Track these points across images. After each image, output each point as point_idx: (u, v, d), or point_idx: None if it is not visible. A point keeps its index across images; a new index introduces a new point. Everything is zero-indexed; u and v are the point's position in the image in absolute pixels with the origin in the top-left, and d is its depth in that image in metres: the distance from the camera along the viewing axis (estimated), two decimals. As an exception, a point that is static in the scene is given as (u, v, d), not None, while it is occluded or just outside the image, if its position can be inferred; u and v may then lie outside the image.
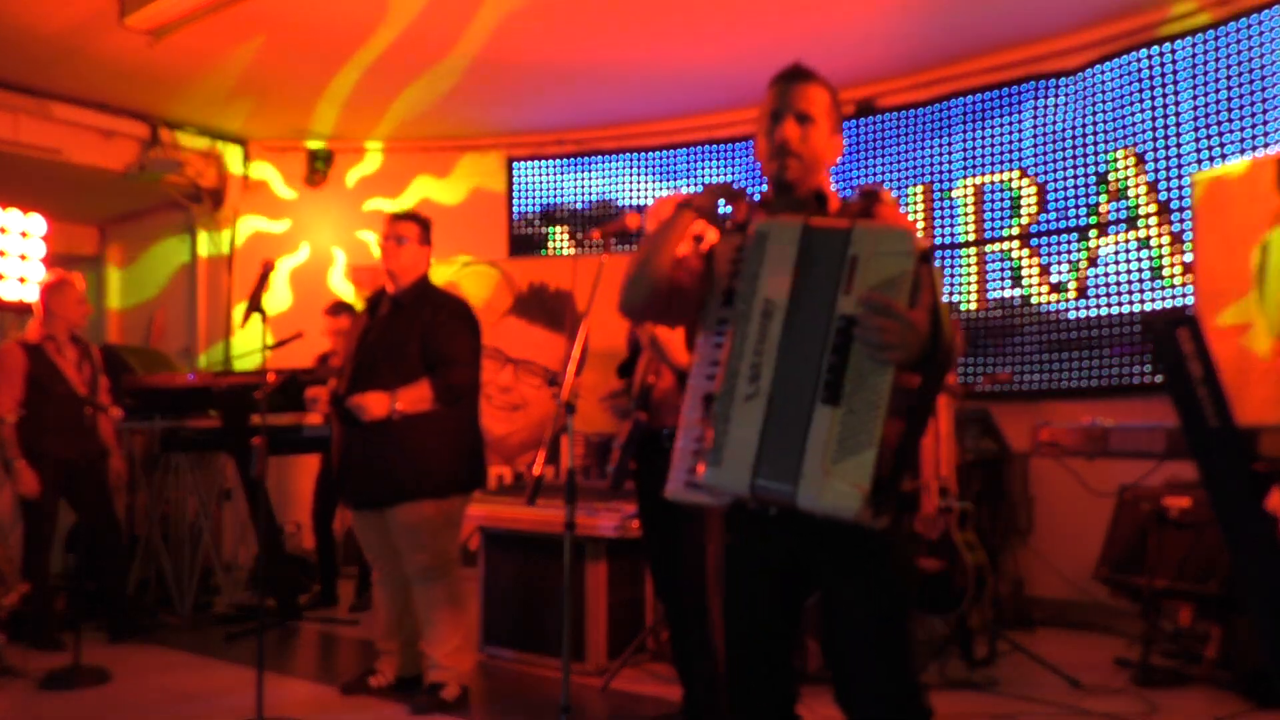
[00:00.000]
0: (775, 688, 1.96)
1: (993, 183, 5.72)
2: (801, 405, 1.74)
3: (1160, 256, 5.08)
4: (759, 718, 1.96)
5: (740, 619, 1.97)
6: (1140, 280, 5.15)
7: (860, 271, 1.73)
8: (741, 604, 1.97)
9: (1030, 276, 5.55)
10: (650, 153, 6.95)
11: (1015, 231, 5.63)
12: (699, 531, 3.01)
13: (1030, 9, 5.14)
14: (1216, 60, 4.92)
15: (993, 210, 5.72)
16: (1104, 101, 5.31)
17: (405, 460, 3.57)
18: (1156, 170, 5.12)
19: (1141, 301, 5.13)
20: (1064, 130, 5.47)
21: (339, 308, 5.74)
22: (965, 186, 5.82)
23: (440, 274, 5.56)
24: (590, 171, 7.09)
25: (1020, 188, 5.62)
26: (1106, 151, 5.31)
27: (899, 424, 1.73)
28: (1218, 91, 4.91)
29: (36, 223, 6.31)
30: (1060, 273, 5.44)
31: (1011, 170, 5.65)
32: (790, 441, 1.74)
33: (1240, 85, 4.83)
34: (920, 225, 5.89)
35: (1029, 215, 5.59)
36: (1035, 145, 5.58)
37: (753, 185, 6.67)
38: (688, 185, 6.80)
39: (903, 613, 1.87)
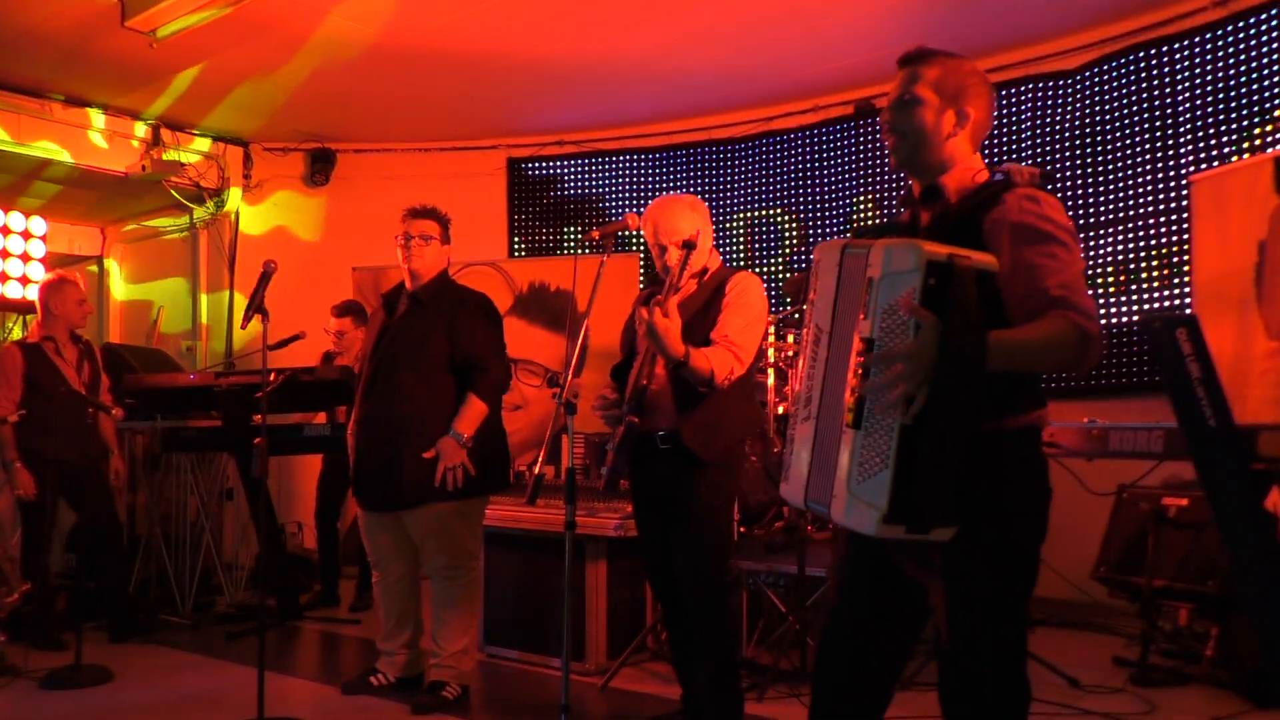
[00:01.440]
0: (861, 688, 1.99)
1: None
2: (836, 429, 1.81)
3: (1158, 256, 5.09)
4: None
5: (831, 614, 2.04)
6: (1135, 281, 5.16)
7: (874, 294, 1.72)
8: (836, 596, 2.05)
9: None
10: (650, 153, 6.96)
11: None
12: (694, 533, 3.02)
13: (1030, 9, 5.15)
14: (1216, 60, 4.93)
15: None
16: (1104, 101, 5.32)
17: (420, 462, 3.55)
18: (1155, 170, 5.12)
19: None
20: (1063, 129, 5.49)
21: (345, 307, 5.74)
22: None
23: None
24: (590, 171, 7.11)
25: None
26: (1106, 151, 5.33)
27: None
28: (1217, 91, 4.92)
29: (38, 223, 6.33)
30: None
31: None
32: (828, 463, 1.82)
33: (1240, 85, 4.84)
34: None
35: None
36: (1035, 143, 5.59)
37: (745, 186, 6.69)
38: (687, 186, 6.81)
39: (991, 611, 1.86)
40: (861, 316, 1.74)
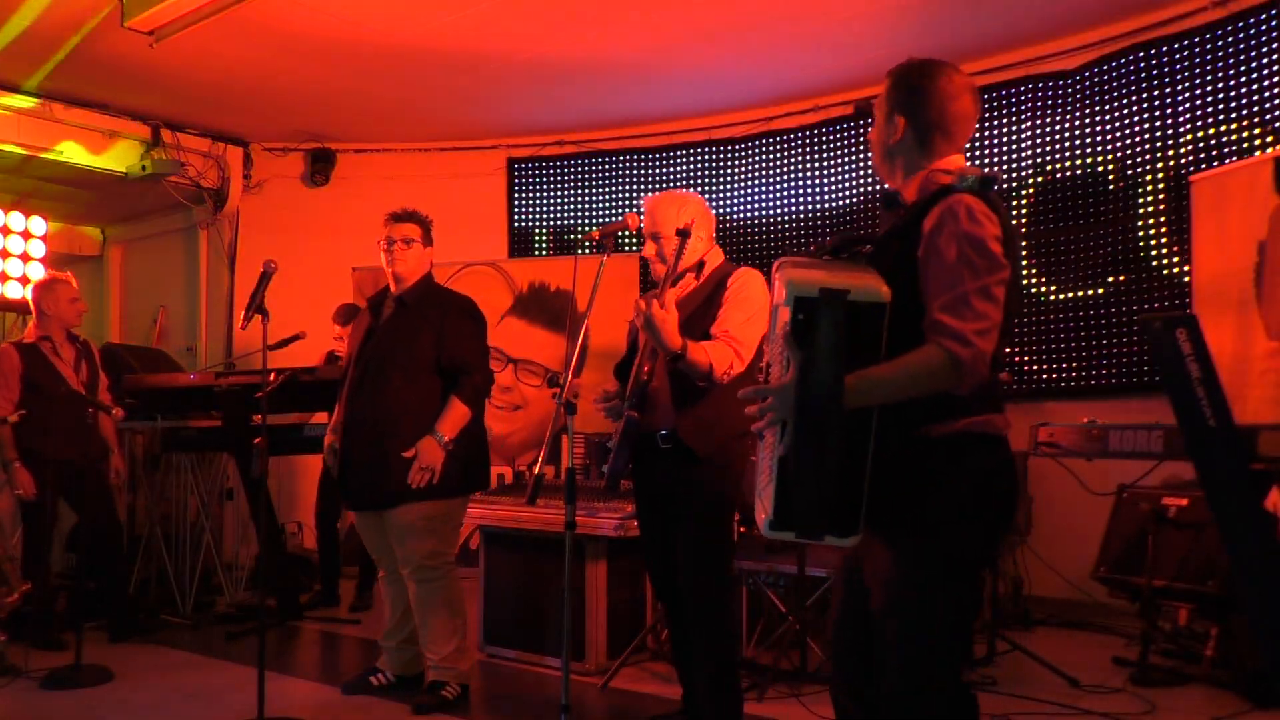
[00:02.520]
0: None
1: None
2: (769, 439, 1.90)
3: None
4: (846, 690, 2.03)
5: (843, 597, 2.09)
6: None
7: (774, 321, 1.87)
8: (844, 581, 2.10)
9: (1031, 274, 5.56)
10: (650, 153, 6.96)
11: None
12: (694, 531, 3.02)
13: (1030, 9, 5.15)
14: (1216, 60, 4.93)
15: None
16: (1104, 101, 5.33)
17: (406, 462, 3.57)
18: (1155, 170, 5.13)
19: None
20: (1063, 129, 5.49)
21: (349, 312, 5.73)
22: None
23: (439, 275, 5.55)
24: (590, 171, 7.11)
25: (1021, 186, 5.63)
26: (1106, 151, 5.33)
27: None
28: (1217, 91, 4.92)
29: (37, 223, 6.33)
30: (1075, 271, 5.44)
31: (1013, 169, 5.66)
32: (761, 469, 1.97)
33: (1240, 85, 4.84)
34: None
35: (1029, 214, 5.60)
36: (1035, 143, 5.59)
37: (745, 186, 6.68)
38: (687, 185, 6.81)
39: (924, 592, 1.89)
40: (765, 344, 1.88)
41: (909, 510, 1.84)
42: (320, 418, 5.67)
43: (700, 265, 3.13)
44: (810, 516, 1.75)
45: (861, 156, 6.23)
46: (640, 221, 3.19)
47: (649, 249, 3.14)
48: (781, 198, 6.56)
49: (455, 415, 3.63)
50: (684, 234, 2.93)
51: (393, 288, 3.80)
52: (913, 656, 1.85)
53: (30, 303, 4.91)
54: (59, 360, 4.78)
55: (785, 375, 1.75)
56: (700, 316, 3.00)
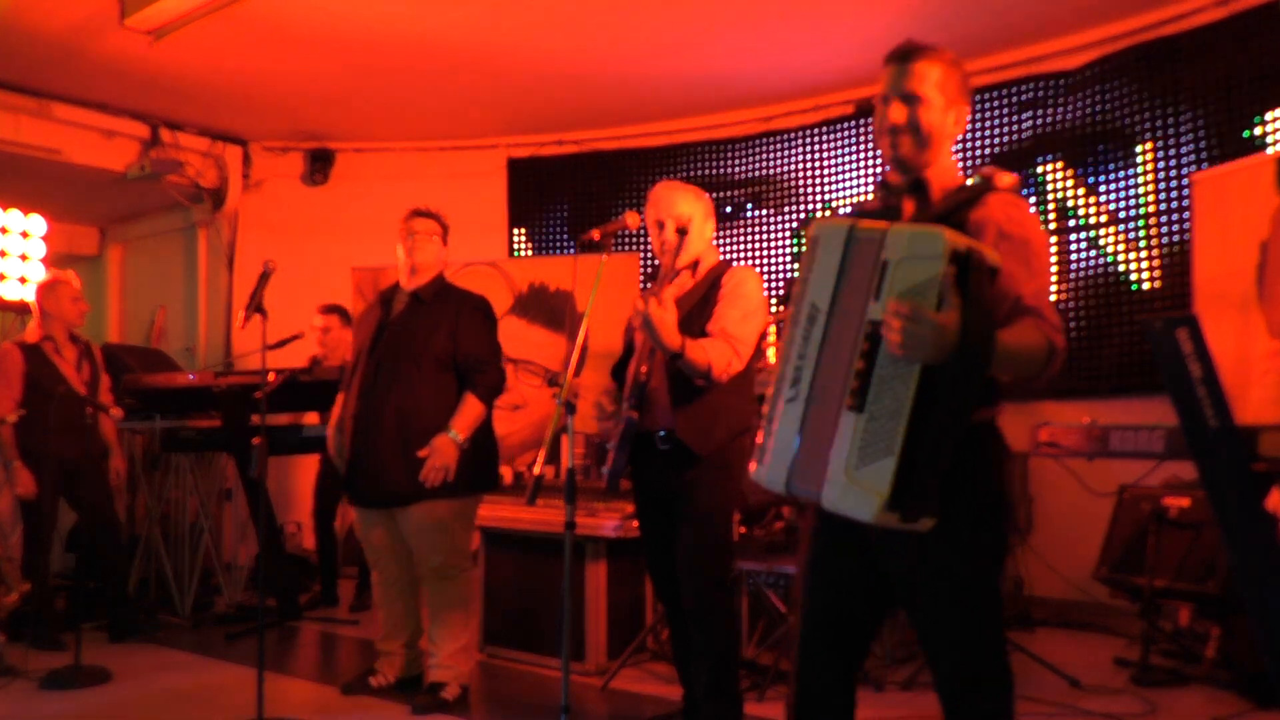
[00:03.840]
0: (839, 685, 2.00)
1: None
2: (831, 410, 1.76)
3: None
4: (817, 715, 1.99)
5: (807, 609, 2.01)
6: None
7: (889, 277, 1.70)
8: (810, 593, 2.01)
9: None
10: (650, 153, 6.95)
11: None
12: (694, 531, 3.01)
13: (1030, 8, 5.14)
14: (1216, 60, 4.92)
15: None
16: (1104, 101, 5.32)
17: (420, 460, 3.55)
18: (1155, 170, 5.12)
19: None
20: (1063, 129, 5.48)
21: (329, 307, 5.74)
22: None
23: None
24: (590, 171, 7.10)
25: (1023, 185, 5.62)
26: (1106, 151, 5.32)
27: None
28: (1217, 91, 4.91)
29: (37, 223, 6.32)
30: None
31: (1013, 169, 5.66)
32: (819, 446, 1.76)
33: (1240, 85, 4.83)
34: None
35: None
36: (1035, 143, 5.58)
37: (745, 185, 6.68)
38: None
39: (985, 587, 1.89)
40: (872, 299, 1.72)
41: (961, 497, 1.81)
42: (312, 418, 5.66)
43: (696, 264, 3.12)
44: (934, 487, 1.68)
45: (863, 156, 6.22)
46: (641, 220, 3.19)
47: (654, 236, 3.13)
48: (782, 198, 6.55)
49: (470, 413, 3.61)
50: (683, 231, 2.94)
51: (405, 282, 3.79)
52: (984, 645, 1.88)
53: (32, 303, 4.90)
54: (61, 360, 4.78)
55: (939, 313, 1.62)
56: (697, 314, 3.00)
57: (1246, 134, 4.79)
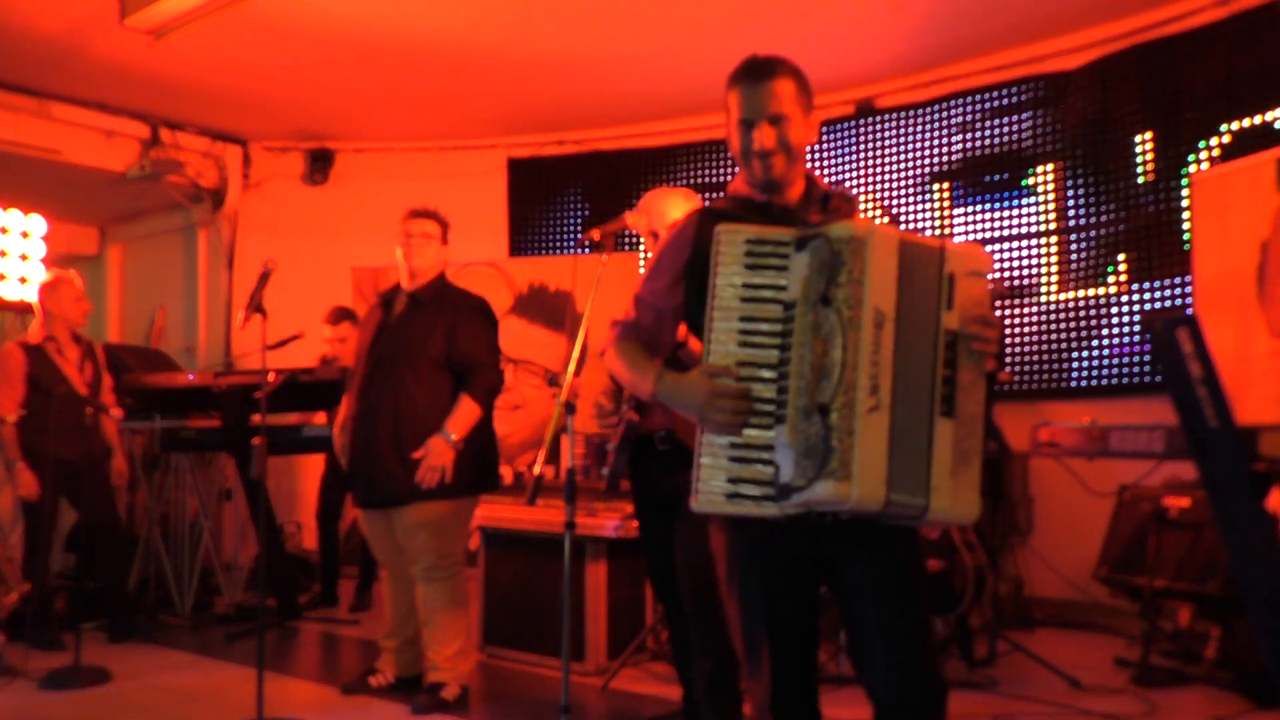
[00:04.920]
0: (807, 682, 2.01)
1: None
2: (923, 418, 1.78)
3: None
4: (793, 712, 1.98)
5: (769, 617, 1.96)
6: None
7: (958, 289, 1.82)
8: (767, 601, 1.96)
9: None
10: (650, 153, 6.94)
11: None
12: (693, 532, 3.01)
13: (1031, 8, 5.14)
14: (1216, 60, 4.92)
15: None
16: (1104, 101, 5.32)
17: (416, 460, 3.56)
18: (1155, 170, 5.12)
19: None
20: (1063, 129, 5.48)
21: (340, 314, 5.73)
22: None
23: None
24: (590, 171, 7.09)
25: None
26: (1106, 151, 5.32)
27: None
28: (1217, 91, 4.91)
29: (37, 223, 6.32)
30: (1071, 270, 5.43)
31: (1013, 169, 5.66)
32: (917, 454, 1.77)
33: (1240, 85, 4.83)
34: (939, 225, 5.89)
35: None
36: (1035, 143, 5.58)
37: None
38: (687, 185, 6.80)
39: (922, 591, 1.96)
40: (945, 309, 1.82)
41: None
42: (320, 418, 5.67)
43: None
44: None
45: (863, 156, 6.22)
46: (636, 216, 3.18)
47: (649, 246, 3.12)
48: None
49: (465, 414, 3.62)
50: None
51: (406, 283, 3.80)
52: (926, 641, 1.93)
53: (33, 303, 4.90)
54: (63, 360, 4.77)
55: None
56: None
57: (1246, 134, 4.79)
